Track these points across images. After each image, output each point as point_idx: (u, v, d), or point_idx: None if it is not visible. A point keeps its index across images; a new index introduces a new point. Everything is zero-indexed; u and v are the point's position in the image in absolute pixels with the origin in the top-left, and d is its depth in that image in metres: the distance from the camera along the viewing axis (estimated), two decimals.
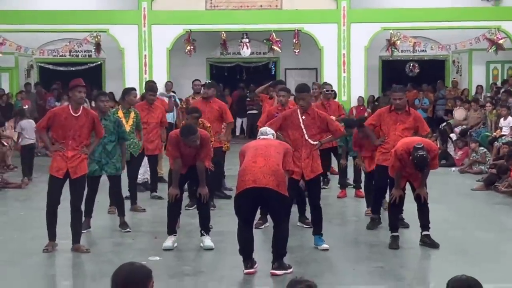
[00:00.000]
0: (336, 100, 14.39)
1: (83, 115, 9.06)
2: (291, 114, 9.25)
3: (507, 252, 9.11)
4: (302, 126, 9.07)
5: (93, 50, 22.82)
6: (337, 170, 13.50)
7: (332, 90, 13.90)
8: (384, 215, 10.24)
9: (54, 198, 9.07)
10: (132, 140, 11.56)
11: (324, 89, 13.85)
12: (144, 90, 14.10)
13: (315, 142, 9.14)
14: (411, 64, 25.34)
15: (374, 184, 10.65)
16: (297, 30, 21.97)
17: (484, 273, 7.58)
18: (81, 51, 24.49)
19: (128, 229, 10.31)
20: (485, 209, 12.01)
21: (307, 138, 9.06)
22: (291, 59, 23.87)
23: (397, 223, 9.29)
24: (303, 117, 9.10)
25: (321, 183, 12.22)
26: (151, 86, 13.13)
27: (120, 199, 10.55)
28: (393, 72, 25.45)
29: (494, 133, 17.50)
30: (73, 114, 9.00)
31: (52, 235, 9.13)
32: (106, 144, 10.16)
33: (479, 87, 23.54)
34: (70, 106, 9.08)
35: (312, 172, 9.08)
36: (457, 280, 4.08)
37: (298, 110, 9.17)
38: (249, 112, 23.77)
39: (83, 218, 9.76)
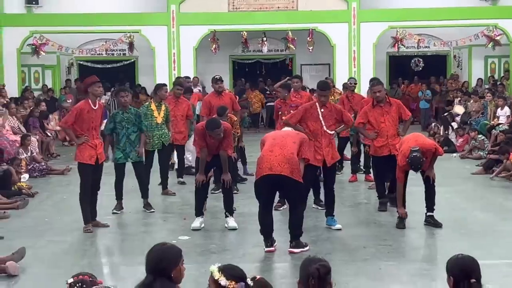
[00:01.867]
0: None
1: (99, 108, 9.28)
2: (310, 107, 9.25)
3: (504, 231, 9.04)
4: (321, 118, 9.09)
5: (127, 49, 22.83)
6: (349, 156, 13.44)
7: (355, 83, 13.76)
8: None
9: (89, 184, 9.19)
10: (163, 130, 11.61)
11: (348, 82, 13.84)
12: (172, 85, 14.20)
13: (332, 132, 9.19)
14: (416, 59, 25.20)
15: (376, 174, 10.66)
16: (312, 29, 21.89)
17: (483, 250, 7.59)
18: (116, 50, 24.54)
19: (152, 210, 10.41)
20: (484, 192, 11.93)
21: (325, 129, 9.08)
22: (306, 56, 23.79)
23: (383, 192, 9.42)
24: (322, 110, 9.12)
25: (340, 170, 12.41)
26: (179, 81, 13.17)
27: (143, 183, 10.60)
28: (399, 67, 25.31)
29: (492, 122, 17.38)
30: (93, 107, 9.14)
31: (89, 217, 9.23)
32: (129, 135, 10.26)
33: (479, 80, 23.38)
34: (90, 100, 9.15)
35: (332, 159, 9.12)
36: (455, 259, 4.06)
37: (317, 104, 9.17)
38: (268, 104, 23.72)
39: (116, 201, 10.01)
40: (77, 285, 3.95)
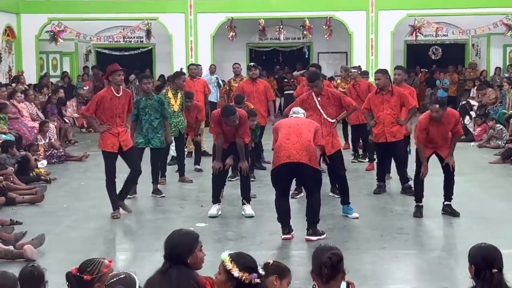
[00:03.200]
0: (367, 80, 14.24)
1: (123, 95, 9.25)
2: (307, 97, 9.29)
3: None
4: (319, 107, 9.11)
5: (144, 37, 22.82)
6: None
7: (359, 72, 13.85)
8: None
9: (113, 171, 9.24)
10: (180, 118, 11.63)
11: (350, 71, 13.97)
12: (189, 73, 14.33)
13: (333, 120, 9.16)
14: (434, 48, 25.02)
15: (377, 159, 11.06)
16: (329, 17, 21.76)
17: (502, 239, 7.51)
18: (134, 37, 24.56)
19: (163, 195, 10.48)
20: (502, 181, 11.85)
21: (325, 117, 9.07)
22: (323, 44, 23.70)
23: (422, 194, 9.19)
24: (319, 99, 9.13)
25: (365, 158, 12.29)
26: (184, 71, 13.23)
27: (156, 169, 10.66)
28: (417, 55, 25.16)
29: (511, 111, 17.22)
30: (116, 94, 9.12)
31: (116, 204, 9.28)
32: (152, 121, 10.31)
33: (497, 69, 23.18)
34: (112, 88, 9.14)
35: (332, 148, 9.12)
36: (478, 248, 4.02)
37: (313, 93, 9.17)
38: (286, 92, 23.67)
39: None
40: (89, 266, 3.96)
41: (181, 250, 3.91)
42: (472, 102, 20.07)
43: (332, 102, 9.20)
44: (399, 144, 10.39)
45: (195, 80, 14.11)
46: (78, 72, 23.88)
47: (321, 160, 9.41)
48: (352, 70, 13.96)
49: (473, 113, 18.62)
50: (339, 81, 15.77)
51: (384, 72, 10.50)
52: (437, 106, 8.83)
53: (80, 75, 23.41)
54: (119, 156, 9.32)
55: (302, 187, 9.28)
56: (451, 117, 8.98)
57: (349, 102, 9.51)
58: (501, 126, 16.18)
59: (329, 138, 9.08)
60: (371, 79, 19.33)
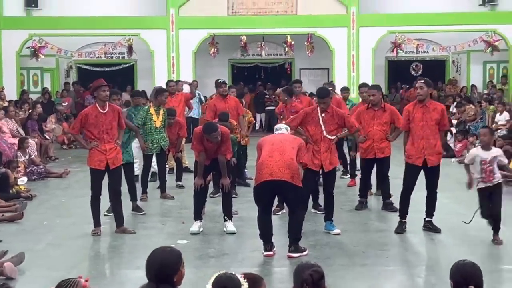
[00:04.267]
0: (337, 96, 14.17)
1: (110, 111, 9.14)
2: (311, 111, 9.23)
3: (505, 237, 9.02)
4: (321, 123, 9.07)
5: (126, 53, 22.84)
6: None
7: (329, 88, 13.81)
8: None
9: (99, 188, 9.17)
10: (162, 135, 11.62)
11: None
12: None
13: (333, 137, 9.15)
14: (415, 64, 25.24)
15: (361, 174, 11.00)
16: (311, 33, 21.91)
17: (482, 256, 7.57)
18: (115, 53, 24.55)
19: (143, 212, 10.45)
20: None
21: (325, 134, 9.06)
22: (305, 60, 23.82)
23: (406, 210, 9.24)
24: (323, 115, 9.10)
25: (346, 174, 12.47)
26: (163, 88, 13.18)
27: (133, 186, 10.60)
28: (398, 72, 25.35)
29: (491, 127, 17.37)
30: (102, 111, 9.05)
31: (98, 221, 9.22)
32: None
33: (473, 87, 23.49)
34: (97, 104, 9.10)
35: (330, 164, 9.10)
36: (456, 265, 4.05)
37: (318, 108, 9.16)
38: (267, 108, 23.74)
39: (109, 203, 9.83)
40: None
41: (169, 270, 3.89)
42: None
43: (336, 120, 9.18)
44: (387, 160, 10.49)
45: (173, 96, 14.07)
46: (59, 88, 23.80)
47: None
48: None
49: (453, 129, 18.76)
50: None
51: (378, 88, 10.62)
52: (422, 81, 9.10)
53: (60, 91, 23.32)
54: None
55: (285, 204, 9.30)
56: (437, 105, 9.30)
57: (352, 123, 9.50)
58: None
59: (327, 155, 9.07)
60: (352, 95, 19.54)
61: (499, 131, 16.56)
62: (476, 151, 8.70)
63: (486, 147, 8.57)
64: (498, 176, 8.64)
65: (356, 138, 10.87)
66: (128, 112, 11.61)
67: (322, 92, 9.34)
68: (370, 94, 10.39)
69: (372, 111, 10.35)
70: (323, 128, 9.06)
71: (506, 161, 8.88)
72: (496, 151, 8.71)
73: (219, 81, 13.00)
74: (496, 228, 8.59)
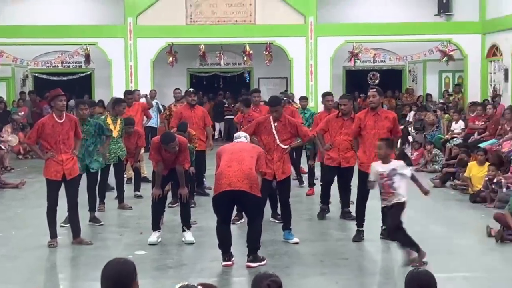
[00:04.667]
0: (293, 106, 14.18)
1: (67, 120, 9.05)
2: (264, 121, 9.25)
3: (459, 244, 9.17)
4: (274, 132, 9.09)
5: (83, 61, 22.63)
6: (306, 170, 13.52)
7: (283, 98, 13.74)
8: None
9: (55, 199, 9.05)
10: (119, 144, 11.57)
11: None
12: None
13: (286, 147, 9.17)
14: (372, 73, 25.51)
15: (322, 180, 11.03)
16: (269, 43, 22.00)
17: (439, 263, 7.65)
18: (72, 62, 24.31)
19: (101, 223, 10.36)
20: (439, 205, 12.06)
21: (278, 143, 9.09)
22: (264, 69, 23.89)
23: (363, 219, 9.31)
24: (275, 124, 9.13)
25: (301, 183, 12.53)
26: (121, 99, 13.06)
27: (94, 196, 10.54)
28: (355, 81, 25.58)
29: (446, 136, 17.64)
30: (58, 121, 8.96)
31: (54, 232, 9.10)
32: (88, 146, 10.22)
33: (429, 96, 23.85)
34: (54, 114, 9.00)
35: (283, 174, 9.12)
36: (411, 273, 4.09)
37: (271, 118, 9.18)
38: (226, 117, 23.75)
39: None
40: None
41: (124, 281, 3.84)
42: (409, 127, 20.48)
43: (289, 129, 9.21)
44: (351, 170, 10.48)
45: (130, 107, 13.79)
46: (15, 97, 23.48)
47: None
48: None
49: (410, 138, 19.00)
50: None
51: (350, 98, 10.64)
52: (374, 90, 9.24)
53: (16, 101, 23.00)
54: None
55: (243, 213, 9.30)
56: (389, 113, 9.42)
57: (305, 132, 9.55)
58: (438, 151, 16.54)
59: (280, 164, 9.10)
60: (311, 104, 19.67)
61: (454, 139, 16.81)
62: (375, 165, 8.11)
63: (384, 160, 7.98)
64: (400, 194, 7.89)
65: (318, 146, 10.88)
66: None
67: (273, 101, 9.39)
68: (341, 103, 10.29)
69: (341, 120, 10.29)
70: (276, 137, 9.09)
71: (408, 173, 7.89)
72: (394, 164, 7.96)
73: (189, 90, 13.09)
74: (405, 245, 7.91)
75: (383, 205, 8.13)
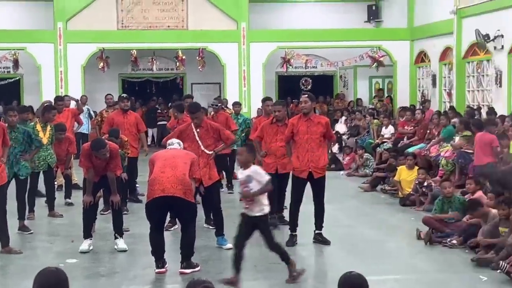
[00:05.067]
0: (227, 112, 14.20)
1: None
2: (186, 128, 9.25)
3: (390, 247, 9.33)
4: (198, 139, 9.12)
5: (12, 67, 22.17)
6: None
7: (217, 104, 13.74)
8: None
9: None
10: (49, 151, 11.36)
11: (211, 102, 13.96)
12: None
13: (210, 152, 9.18)
14: (304, 79, 25.77)
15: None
16: (202, 48, 21.99)
17: (369, 266, 7.78)
18: (0, 67, 23.77)
19: (30, 231, 10.16)
20: (370, 209, 12.26)
21: (203, 149, 9.09)
22: (197, 75, 23.86)
23: (296, 223, 9.37)
24: (198, 130, 9.15)
25: (231, 189, 12.50)
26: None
27: (23, 204, 10.32)
28: (288, 86, 25.78)
29: (377, 140, 17.94)
30: None
31: None
32: (16, 154, 10.01)
33: (359, 100, 24.26)
34: None
35: (210, 179, 9.13)
36: (344, 276, 4.14)
37: (192, 124, 9.18)
38: (159, 123, 23.60)
39: None
40: None
41: None
42: (340, 130, 20.75)
43: (211, 134, 9.21)
44: (287, 176, 10.39)
45: (60, 113, 13.53)
46: None
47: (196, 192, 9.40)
48: (213, 102, 13.89)
49: (342, 143, 19.27)
50: (213, 112, 15.82)
51: (283, 104, 10.67)
52: (306, 96, 9.26)
53: None
54: None
55: (177, 220, 9.25)
56: (321, 118, 9.49)
57: (228, 135, 9.55)
58: (369, 155, 16.82)
59: (206, 170, 9.09)
60: (244, 109, 19.72)
61: (384, 144, 17.11)
62: (238, 172, 7.80)
63: (244, 166, 7.51)
64: (262, 204, 7.38)
65: (257, 150, 10.73)
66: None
67: (192, 108, 9.38)
68: (275, 110, 10.30)
69: (275, 126, 10.26)
70: (200, 143, 9.10)
71: (262, 179, 7.32)
72: (250, 170, 7.42)
73: (122, 96, 12.97)
74: (284, 259, 7.64)
75: (244, 212, 7.48)
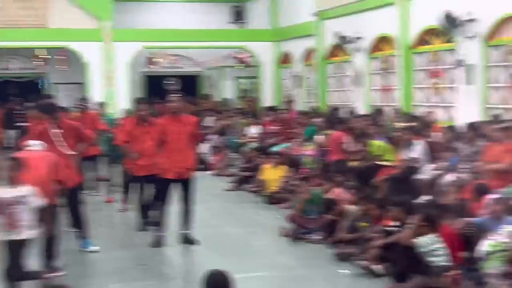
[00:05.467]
0: (93, 112, 13.93)
1: None
2: (44, 130, 8.94)
3: (254, 245, 9.50)
4: (56, 139, 8.88)
5: None
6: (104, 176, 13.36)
7: (83, 105, 13.46)
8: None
9: None
10: None
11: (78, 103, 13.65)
12: None
13: (72, 153, 8.97)
14: (171, 79, 25.74)
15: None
16: (63, 47, 21.46)
17: (236, 264, 7.90)
18: None
19: None
20: (236, 208, 12.42)
21: (63, 150, 8.81)
22: (59, 75, 23.31)
23: (163, 224, 9.35)
24: (56, 131, 8.88)
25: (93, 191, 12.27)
26: None
27: None
28: (154, 86, 25.65)
29: (243, 140, 18.15)
30: None
31: None
32: None
33: (226, 100, 24.55)
34: None
35: (72, 181, 8.89)
36: (207, 275, 4.21)
37: (50, 125, 8.94)
38: (17, 124, 22.77)
39: None
40: None
41: None
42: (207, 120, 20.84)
43: (72, 134, 9.00)
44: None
45: None
46: None
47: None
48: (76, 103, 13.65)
49: (211, 143, 19.34)
50: (79, 113, 15.41)
51: (148, 103, 10.53)
52: (175, 96, 9.34)
53: None
54: None
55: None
56: (190, 118, 9.49)
57: (86, 135, 9.37)
58: (235, 155, 17.02)
59: (68, 171, 8.88)
60: (109, 109, 19.44)
61: (251, 143, 17.35)
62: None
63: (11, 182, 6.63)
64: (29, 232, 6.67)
65: (129, 154, 10.49)
66: None
67: (47, 107, 9.16)
68: (139, 109, 10.19)
69: (142, 127, 10.11)
70: (59, 144, 8.87)
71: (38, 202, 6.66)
72: (20, 190, 6.63)
73: None
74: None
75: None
